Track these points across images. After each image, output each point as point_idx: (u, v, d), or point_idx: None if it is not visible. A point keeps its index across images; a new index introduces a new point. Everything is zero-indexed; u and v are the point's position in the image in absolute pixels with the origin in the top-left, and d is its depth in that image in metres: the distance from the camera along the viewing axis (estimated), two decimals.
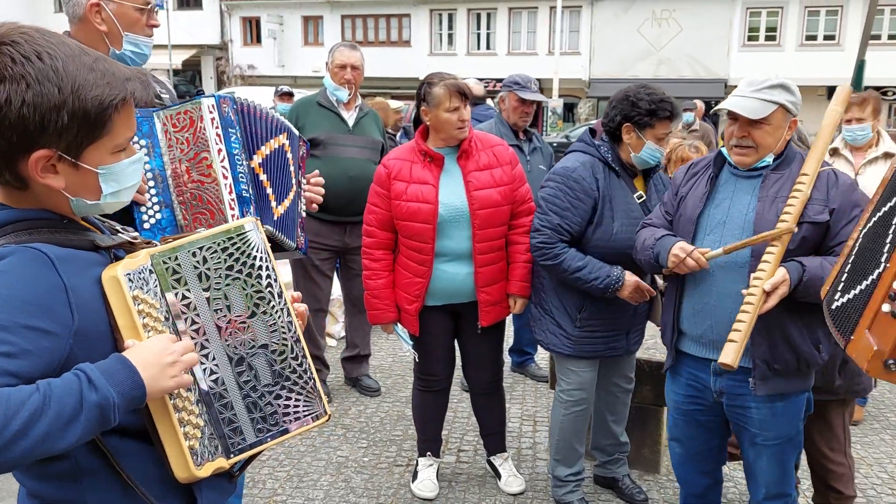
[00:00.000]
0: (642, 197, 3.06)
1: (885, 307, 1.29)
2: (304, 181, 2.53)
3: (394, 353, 5.52)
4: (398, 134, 6.82)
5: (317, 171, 2.66)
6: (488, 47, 28.84)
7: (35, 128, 1.18)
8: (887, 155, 4.16)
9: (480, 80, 7.89)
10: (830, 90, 23.88)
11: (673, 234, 2.58)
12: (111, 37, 2.10)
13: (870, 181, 3.94)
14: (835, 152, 4.33)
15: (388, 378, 4.99)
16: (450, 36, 29.26)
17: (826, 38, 25.18)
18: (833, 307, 2.29)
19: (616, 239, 2.96)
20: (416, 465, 3.58)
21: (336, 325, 5.75)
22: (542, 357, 5.25)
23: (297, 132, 2.44)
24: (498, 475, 3.58)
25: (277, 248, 2.32)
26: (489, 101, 6.83)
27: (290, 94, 9.44)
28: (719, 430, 2.70)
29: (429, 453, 3.56)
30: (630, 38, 26.76)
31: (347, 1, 29.70)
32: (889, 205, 1.50)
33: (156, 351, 1.24)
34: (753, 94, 2.40)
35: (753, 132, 2.41)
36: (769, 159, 2.47)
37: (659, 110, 2.92)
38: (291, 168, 2.38)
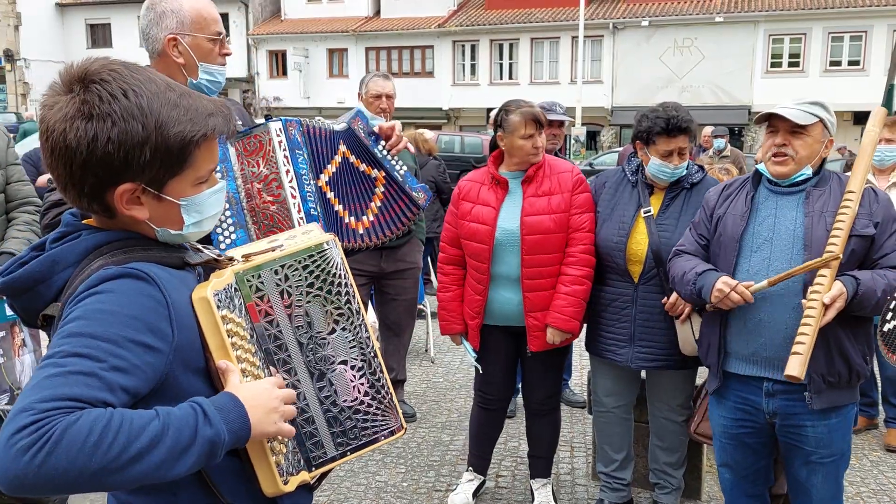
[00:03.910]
0: (649, 212, 3.10)
1: None
2: (389, 157, 2.43)
3: (427, 379, 5.54)
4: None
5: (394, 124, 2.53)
6: (511, 77, 29.05)
7: (120, 163, 1.22)
8: None
9: None
10: (856, 115, 23.74)
11: (715, 269, 2.56)
12: (188, 68, 2.17)
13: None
14: None
15: (423, 404, 5.02)
16: (472, 66, 29.52)
17: (850, 63, 25.11)
18: (885, 329, 2.35)
19: (600, 240, 3.18)
20: (461, 478, 3.66)
21: None
22: (576, 383, 5.26)
23: (353, 127, 2.36)
24: (533, 499, 3.59)
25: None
26: None
27: None
28: (767, 450, 2.69)
29: (471, 468, 3.62)
30: (652, 66, 26.87)
31: (371, 33, 30.16)
32: None
33: (263, 394, 1.27)
34: (797, 106, 2.47)
35: (794, 141, 2.46)
36: (807, 172, 2.51)
37: (654, 126, 3.02)
38: (362, 169, 2.38)
